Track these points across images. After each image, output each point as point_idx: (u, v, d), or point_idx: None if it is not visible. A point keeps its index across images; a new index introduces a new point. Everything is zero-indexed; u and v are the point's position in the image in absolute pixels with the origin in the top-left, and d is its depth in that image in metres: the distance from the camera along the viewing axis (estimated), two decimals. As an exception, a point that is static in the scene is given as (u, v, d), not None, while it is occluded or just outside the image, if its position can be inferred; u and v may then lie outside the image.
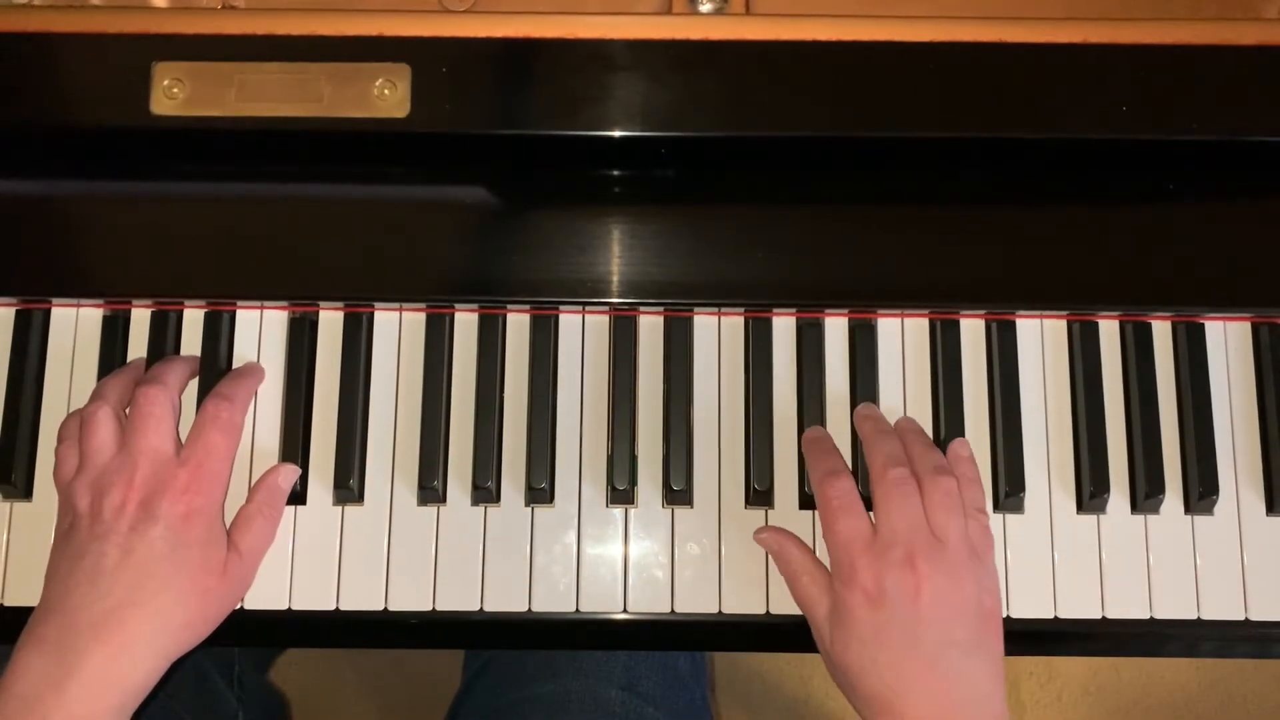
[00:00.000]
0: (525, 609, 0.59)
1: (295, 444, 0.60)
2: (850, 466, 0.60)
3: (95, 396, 0.58)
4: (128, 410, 0.58)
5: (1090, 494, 0.60)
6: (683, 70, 0.58)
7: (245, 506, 0.58)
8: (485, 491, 0.60)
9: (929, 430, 0.61)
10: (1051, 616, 0.60)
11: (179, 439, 0.58)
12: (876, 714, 0.53)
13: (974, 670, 0.53)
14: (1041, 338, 0.63)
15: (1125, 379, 0.62)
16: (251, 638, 0.60)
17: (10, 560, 0.60)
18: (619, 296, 0.60)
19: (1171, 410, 0.62)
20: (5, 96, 0.59)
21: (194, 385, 0.61)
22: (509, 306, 0.62)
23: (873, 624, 0.53)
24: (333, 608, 0.59)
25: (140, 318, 0.62)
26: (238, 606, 0.59)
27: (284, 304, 0.62)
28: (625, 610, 0.60)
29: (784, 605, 0.59)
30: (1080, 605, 0.60)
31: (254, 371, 0.61)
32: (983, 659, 0.54)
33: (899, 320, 0.63)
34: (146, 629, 0.52)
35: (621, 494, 0.60)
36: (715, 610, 0.60)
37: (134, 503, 0.54)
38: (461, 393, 0.61)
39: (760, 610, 0.60)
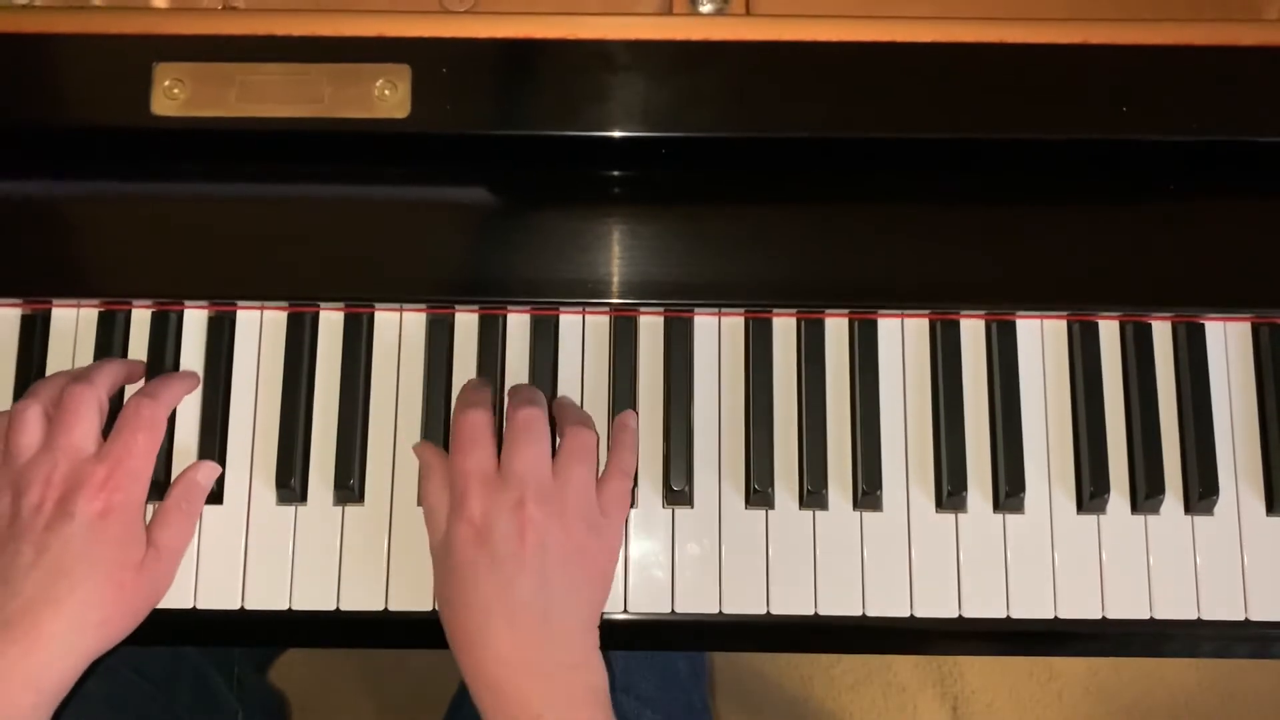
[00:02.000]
0: (525, 609, 0.59)
1: (295, 444, 0.60)
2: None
3: (27, 394, 0.57)
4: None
5: (1090, 494, 0.60)
6: (683, 71, 0.58)
7: (164, 502, 0.58)
8: (485, 492, 0.60)
9: (929, 431, 0.61)
10: (1052, 616, 0.60)
11: (103, 438, 0.57)
12: (460, 648, 0.53)
13: (564, 627, 0.53)
14: (1041, 338, 0.63)
15: (1125, 379, 0.62)
16: (252, 638, 0.60)
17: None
18: (619, 297, 0.60)
19: (1171, 410, 0.62)
20: (5, 96, 0.59)
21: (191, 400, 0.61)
22: (509, 307, 0.62)
23: (469, 558, 0.53)
24: (333, 608, 0.59)
25: (140, 318, 0.62)
26: (163, 602, 0.58)
27: (284, 304, 0.62)
28: (625, 610, 0.60)
29: (784, 605, 0.59)
30: (1080, 605, 0.60)
31: (186, 375, 0.61)
32: (577, 619, 0.53)
33: (899, 320, 0.63)
34: (59, 626, 0.52)
35: (622, 494, 0.60)
36: (715, 610, 0.60)
37: (51, 500, 0.54)
38: (462, 393, 0.61)
39: (760, 610, 0.60)
